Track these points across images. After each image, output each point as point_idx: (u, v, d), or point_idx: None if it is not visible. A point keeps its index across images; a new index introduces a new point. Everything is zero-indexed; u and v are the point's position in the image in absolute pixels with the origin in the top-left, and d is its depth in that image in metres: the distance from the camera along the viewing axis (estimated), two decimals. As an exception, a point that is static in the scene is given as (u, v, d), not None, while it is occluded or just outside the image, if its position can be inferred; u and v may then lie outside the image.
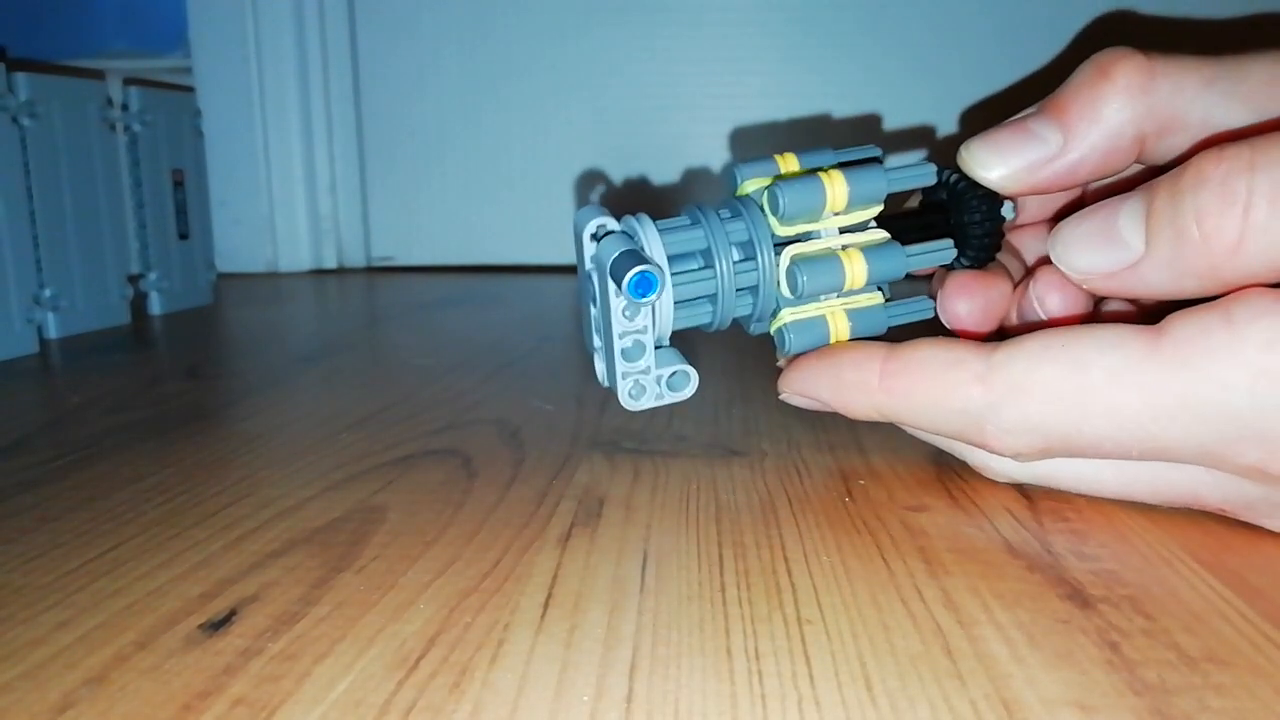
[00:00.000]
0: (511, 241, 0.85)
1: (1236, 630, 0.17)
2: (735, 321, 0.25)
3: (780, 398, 0.25)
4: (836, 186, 0.23)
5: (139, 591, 0.19)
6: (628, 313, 0.22)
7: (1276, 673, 0.16)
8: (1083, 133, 0.22)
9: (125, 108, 0.59)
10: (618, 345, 0.23)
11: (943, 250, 0.24)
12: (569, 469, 0.27)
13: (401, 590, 0.19)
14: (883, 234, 0.24)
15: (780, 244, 0.23)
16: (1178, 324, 0.19)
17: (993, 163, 0.23)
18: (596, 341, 0.24)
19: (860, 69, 0.79)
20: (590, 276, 0.23)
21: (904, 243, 0.24)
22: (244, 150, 0.83)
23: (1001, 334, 0.24)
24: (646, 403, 0.24)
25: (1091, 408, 0.19)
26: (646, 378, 0.23)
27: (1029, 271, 0.26)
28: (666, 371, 0.23)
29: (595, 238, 0.23)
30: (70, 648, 0.17)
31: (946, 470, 0.26)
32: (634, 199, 0.82)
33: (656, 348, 0.24)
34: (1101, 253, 0.20)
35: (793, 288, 0.23)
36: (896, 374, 0.22)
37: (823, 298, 0.24)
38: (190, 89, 0.68)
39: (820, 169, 0.23)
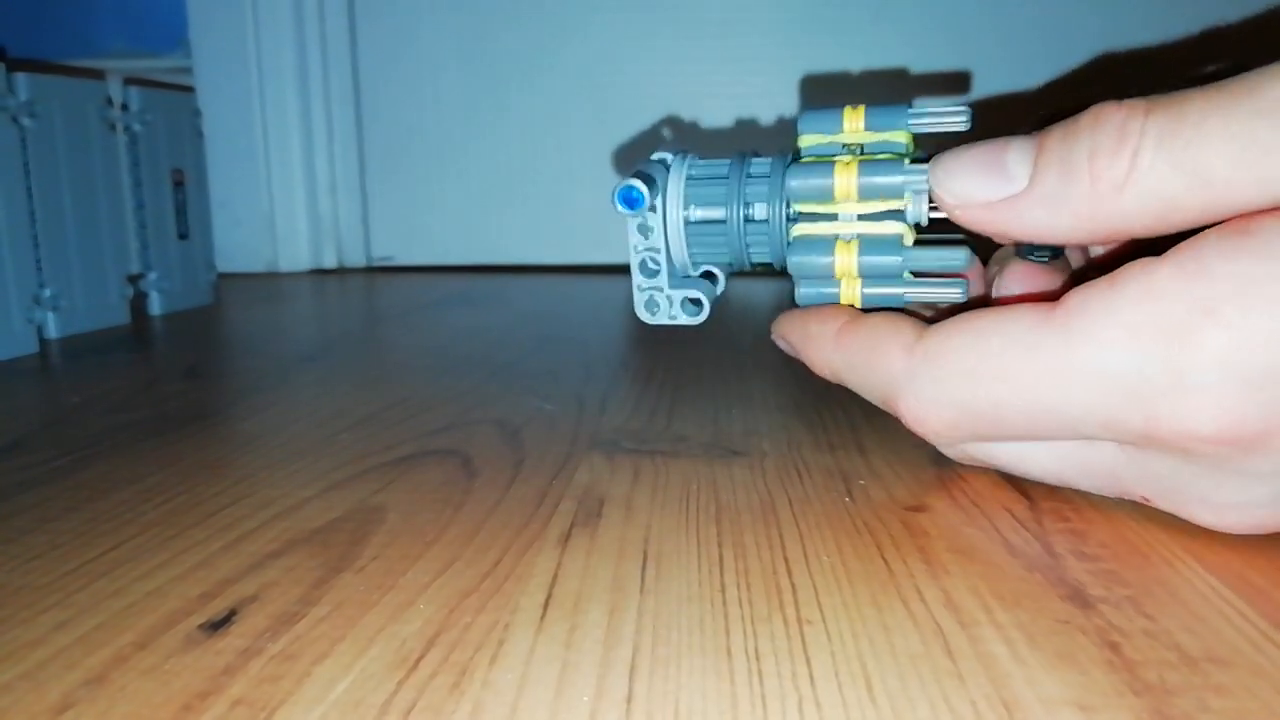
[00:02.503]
0: (511, 241, 0.85)
1: (1237, 630, 0.17)
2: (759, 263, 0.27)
3: (772, 338, 0.27)
4: (847, 178, 0.23)
5: (138, 592, 0.19)
6: (641, 231, 0.26)
7: (1277, 673, 0.16)
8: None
9: (125, 108, 0.58)
10: (634, 259, 0.26)
11: (953, 258, 0.23)
12: (569, 469, 0.27)
13: (401, 590, 0.19)
14: (895, 228, 0.23)
15: (802, 215, 0.24)
16: (1070, 295, 0.19)
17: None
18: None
19: (863, 68, 0.79)
20: None
21: (927, 239, 0.24)
22: (244, 150, 0.83)
23: None
24: (661, 319, 0.26)
25: (987, 372, 0.20)
26: (661, 295, 0.26)
27: (1089, 263, 0.26)
28: (680, 294, 0.26)
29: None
30: (69, 648, 0.17)
31: (946, 470, 0.26)
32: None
33: (683, 276, 0.27)
34: (983, 181, 0.20)
35: (788, 260, 0.25)
36: (848, 332, 0.24)
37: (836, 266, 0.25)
38: (190, 89, 0.68)
39: (837, 158, 0.24)
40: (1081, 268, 0.26)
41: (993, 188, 0.20)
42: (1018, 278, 0.24)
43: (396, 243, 0.87)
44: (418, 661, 0.16)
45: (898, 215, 0.23)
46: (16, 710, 0.15)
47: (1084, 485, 0.23)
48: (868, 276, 0.24)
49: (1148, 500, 0.22)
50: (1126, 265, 0.19)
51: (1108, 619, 0.17)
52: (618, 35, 0.81)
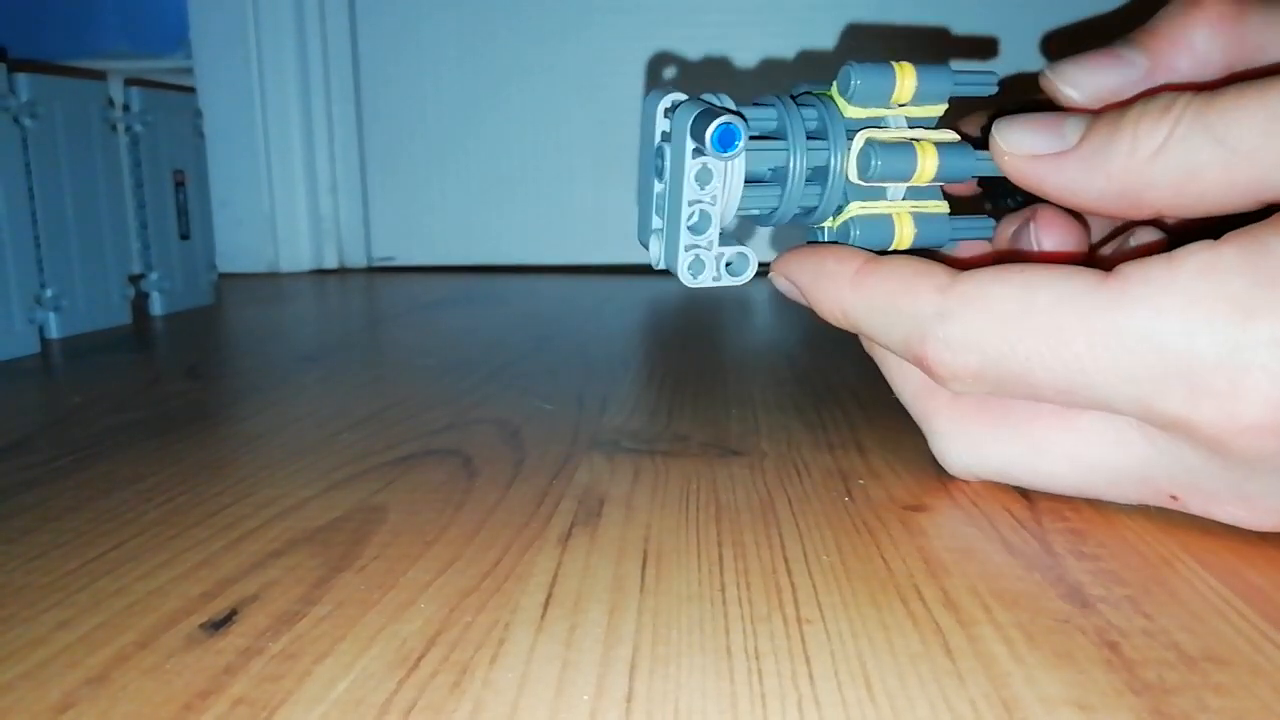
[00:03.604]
0: (512, 241, 0.85)
1: (1235, 629, 0.17)
2: (796, 219, 0.25)
3: (770, 277, 0.25)
4: (906, 76, 0.23)
5: (140, 591, 0.19)
6: (700, 178, 0.23)
7: (1275, 672, 0.16)
8: (1171, 60, 0.22)
9: (127, 108, 0.59)
10: (685, 214, 0.23)
11: (983, 227, 0.25)
12: (569, 469, 0.27)
13: (402, 590, 0.19)
14: (953, 134, 0.24)
15: (850, 131, 0.24)
16: (1128, 265, 0.20)
17: (1080, 80, 0.23)
18: (656, 222, 0.25)
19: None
20: (661, 152, 0.24)
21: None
22: (245, 150, 0.83)
23: None
24: (704, 280, 0.24)
25: (1030, 325, 0.20)
26: (708, 254, 0.24)
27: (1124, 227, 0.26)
28: (728, 251, 0.24)
29: (668, 112, 0.24)
30: (71, 647, 0.17)
31: (946, 471, 0.26)
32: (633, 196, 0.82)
33: (722, 232, 0.24)
34: (1037, 136, 0.22)
35: (864, 169, 0.23)
36: (869, 272, 0.23)
37: (889, 192, 0.24)
38: (191, 89, 0.68)
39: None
40: (1111, 237, 0.26)
41: (1044, 143, 0.21)
42: (1051, 229, 0.24)
43: (397, 243, 0.87)
44: (418, 660, 0.16)
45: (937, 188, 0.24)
46: (18, 709, 0.15)
47: (1109, 494, 0.22)
48: (940, 180, 0.24)
49: (1177, 500, 0.21)
50: (1188, 244, 0.19)
51: (1106, 618, 0.18)
52: (617, 36, 0.81)
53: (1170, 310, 0.18)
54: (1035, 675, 0.16)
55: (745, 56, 0.80)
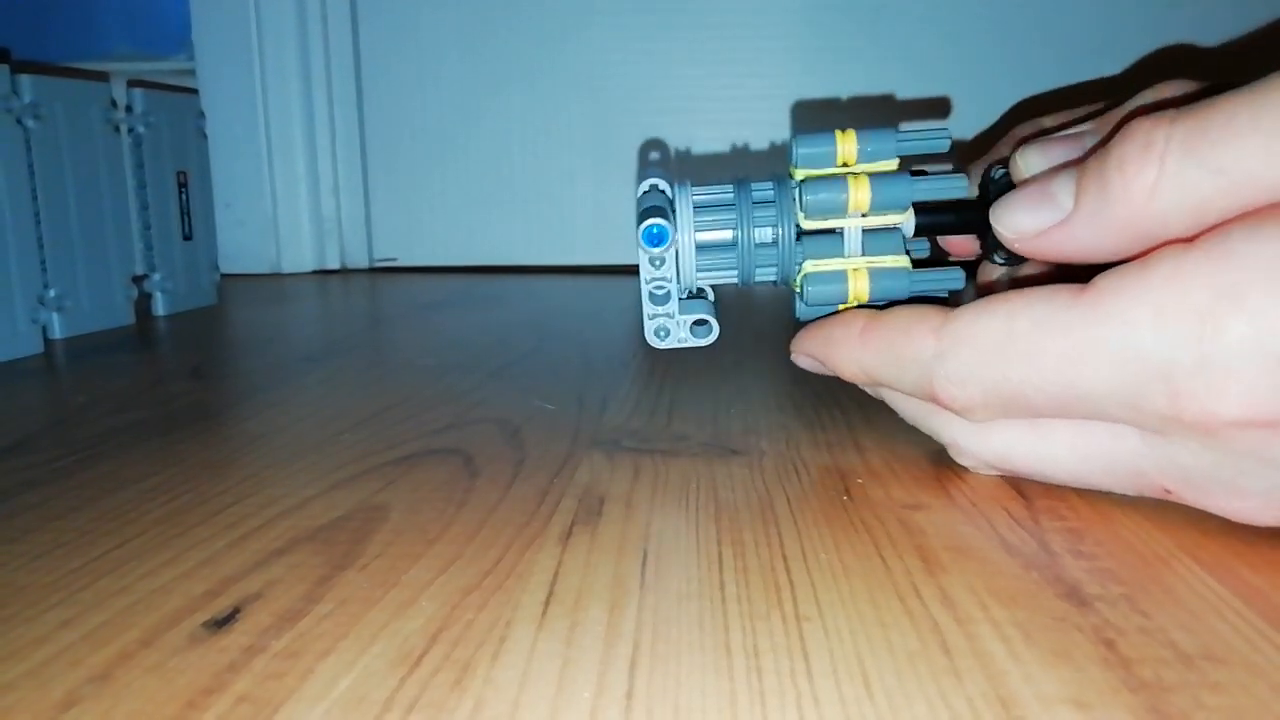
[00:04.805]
0: (513, 242, 0.85)
1: (1232, 628, 0.17)
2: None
3: (792, 359, 0.27)
4: (860, 190, 0.25)
5: (143, 589, 0.19)
6: (653, 263, 0.26)
7: (1272, 670, 0.16)
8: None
9: (129, 109, 0.59)
10: (645, 289, 0.27)
11: (952, 279, 0.26)
12: (570, 468, 0.27)
13: (404, 588, 0.19)
14: (901, 260, 0.26)
15: (807, 232, 0.26)
16: (1100, 277, 0.20)
17: (1042, 167, 0.23)
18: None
19: (862, 72, 0.79)
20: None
21: (928, 236, 0.26)
22: (247, 151, 0.83)
23: None
24: (670, 343, 0.27)
25: (1015, 352, 0.21)
26: (671, 321, 0.27)
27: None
28: (690, 318, 0.27)
29: (646, 195, 0.27)
30: (74, 645, 0.17)
31: (944, 469, 0.26)
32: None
33: (686, 297, 0.27)
34: (1035, 213, 0.22)
35: (801, 295, 0.26)
36: (872, 329, 0.24)
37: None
38: (194, 91, 0.69)
39: (851, 172, 0.26)
40: None
41: (1043, 217, 0.21)
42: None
43: (399, 244, 0.87)
44: (420, 658, 0.16)
45: (898, 238, 0.26)
46: (21, 707, 0.15)
47: (1106, 484, 0.23)
48: (877, 300, 0.26)
49: (1170, 493, 0.21)
50: (1159, 250, 0.19)
51: (1104, 616, 0.18)
52: (618, 38, 0.81)
53: (1141, 322, 0.19)
54: (1032, 673, 0.16)
55: (746, 58, 0.80)
